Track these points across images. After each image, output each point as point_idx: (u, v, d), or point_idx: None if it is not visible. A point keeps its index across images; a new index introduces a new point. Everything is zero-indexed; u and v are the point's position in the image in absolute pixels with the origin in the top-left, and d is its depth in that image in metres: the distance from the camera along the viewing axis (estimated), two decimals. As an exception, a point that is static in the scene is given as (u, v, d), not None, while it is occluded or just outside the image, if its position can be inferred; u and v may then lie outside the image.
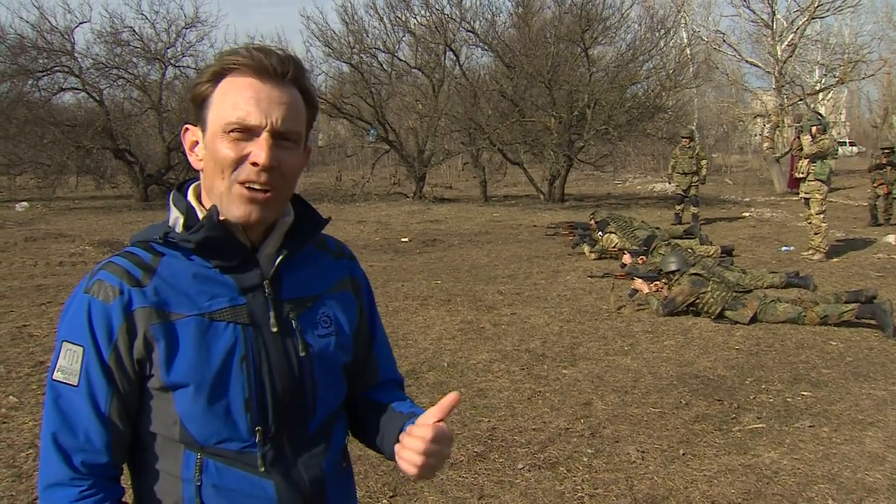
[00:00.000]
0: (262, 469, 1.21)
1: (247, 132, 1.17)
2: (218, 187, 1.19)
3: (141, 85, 21.71)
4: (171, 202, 1.27)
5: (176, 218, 1.24)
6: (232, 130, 1.17)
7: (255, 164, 1.16)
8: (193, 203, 1.26)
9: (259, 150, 1.16)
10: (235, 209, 1.19)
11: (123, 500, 1.24)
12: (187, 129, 1.25)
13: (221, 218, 1.20)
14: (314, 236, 1.34)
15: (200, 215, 1.23)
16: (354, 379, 1.42)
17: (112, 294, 1.16)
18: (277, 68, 1.18)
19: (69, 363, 1.16)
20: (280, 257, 1.25)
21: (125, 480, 1.26)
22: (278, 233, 1.26)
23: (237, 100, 1.17)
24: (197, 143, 1.24)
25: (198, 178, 1.28)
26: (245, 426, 1.20)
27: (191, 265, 1.21)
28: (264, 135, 1.17)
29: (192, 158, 1.25)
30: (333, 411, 1.34)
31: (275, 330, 1.23)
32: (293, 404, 1.25)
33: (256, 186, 1.17)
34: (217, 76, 1.20)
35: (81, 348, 1.16)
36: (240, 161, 1.17)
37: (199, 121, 1.22)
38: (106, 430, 1.18)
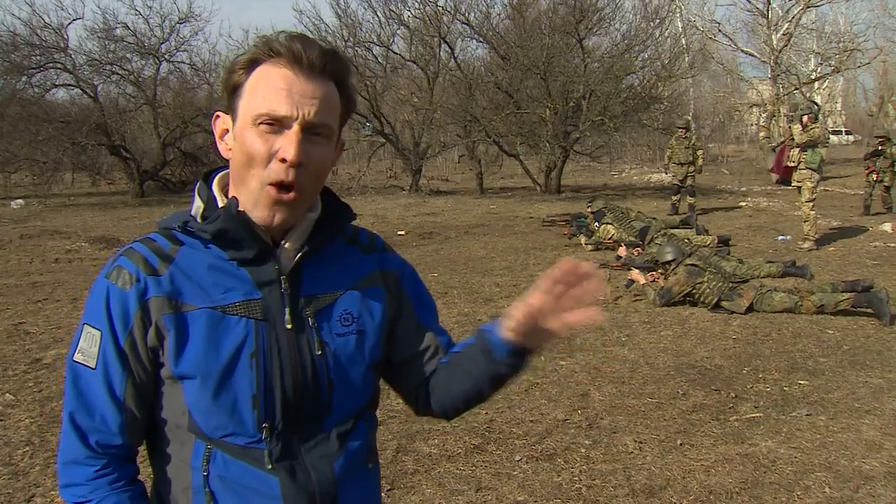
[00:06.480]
0: (270, 466, 1.20)
1: (276, 124, 1.13)
2: (248, 182, 1.16)
3: (135, 80, 21.68)
4: (195, 191, 1.25)
5: (198, 207, 1.23)
6: (262, 122, 1.13)
7: (283, 160, 1.13)
8: (216, 193, 1.24)
9: (288, 145, 1.12)
10: (259, 211, 1.17)
11: (139, 478, 1.25)
12: (218, 116, 1.22)
13: (241, 209, 1.18)
14: (338, 233, 1.29)
15: (221, 206, 1.22)
16: (414, 373, 1.40)
17: (129, 281, 1.17)
18: (315, 61, 1.14)
19: (88, 346, 1.18)
20: (300, 253, 1.22)
21: (142, 460, 1.27)
22: (301, 228, 1.23)
23: (268, 90, 1.13)
24: (227, 131, 1.21)
25: (226, 167, 1.25)
26: (251, 422, 1.18)
27: (208, 256, 1.20)
28: (295, 127, 1.12)
29: (221, 147, 1.22)
30: (355, 412, 1.29)
31: (289, 327, 1.21)
32: (305, 403, 1.21)
33: (284, 184, 1.14)
34: (251, 64, 1.16)
35: (99, 332, 1.18)
36: (269, 157, 1.14)
37: (231, 109, 1.19)
38: (120, 413, 1.19)
